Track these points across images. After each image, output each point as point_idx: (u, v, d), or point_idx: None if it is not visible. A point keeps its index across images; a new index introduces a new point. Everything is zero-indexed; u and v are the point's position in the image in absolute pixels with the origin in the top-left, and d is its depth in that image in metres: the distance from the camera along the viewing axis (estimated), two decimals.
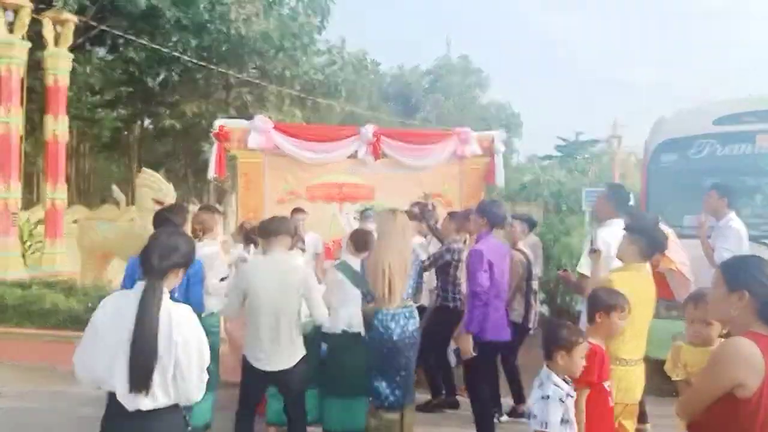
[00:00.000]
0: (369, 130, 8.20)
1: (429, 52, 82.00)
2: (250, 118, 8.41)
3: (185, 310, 2.67)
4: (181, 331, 2.57)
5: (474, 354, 4.75)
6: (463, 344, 4.84)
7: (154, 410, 2.56)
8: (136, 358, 2.49)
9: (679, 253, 5.55)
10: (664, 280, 5.25)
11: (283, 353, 4.06)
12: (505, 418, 5.67)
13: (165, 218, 4.44)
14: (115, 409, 2.58)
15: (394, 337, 4.43)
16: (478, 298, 4.73)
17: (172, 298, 2.69)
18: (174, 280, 2.73)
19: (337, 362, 5.09)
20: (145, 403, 2.54)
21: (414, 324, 4.56)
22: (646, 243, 3.74)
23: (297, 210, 7.16)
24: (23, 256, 11.45)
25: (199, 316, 2.85)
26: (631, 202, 6.70)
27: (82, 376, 2.68)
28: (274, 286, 4.03)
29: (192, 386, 2.61)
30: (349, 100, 26.63)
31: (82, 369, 2.66)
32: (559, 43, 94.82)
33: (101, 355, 2.57)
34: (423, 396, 6.03)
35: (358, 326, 4.88)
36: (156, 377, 2.52)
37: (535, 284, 5.78)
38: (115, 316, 2.59)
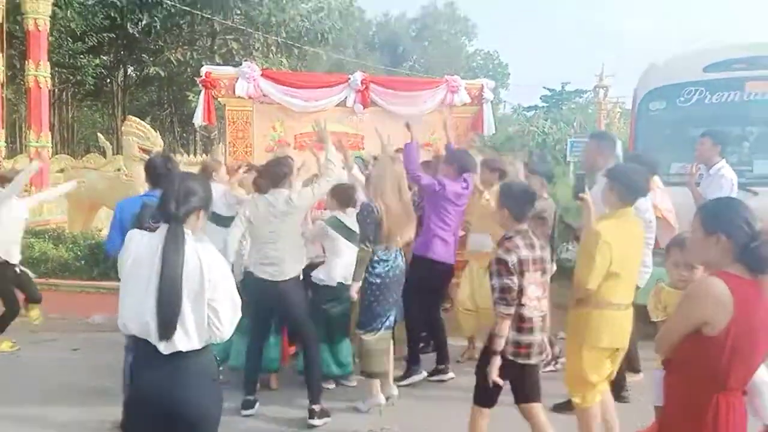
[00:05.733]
0: (358, 77, 8.13)
1: None
2: (237, 66, 8.27)
3: (212, 249, 2.68)
4: (212, 270, 2.59)
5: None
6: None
7: (189, 351, 2.56)
8: (161, 303, 2.49)
9: (665, 201, 5.61)
10: None
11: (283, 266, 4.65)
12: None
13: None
14: (145, 352, 2.56)
15: (393, 274, 4.79)
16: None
17: None
18: (197, 223, 2.70)
19: (330, 312, 5.26)
20: (182, 344, 2.54)
21: (402, 260, 4.92)
22: (625, 187, 3.71)
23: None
24: None
25: None
26: (618, 149, 6.73)
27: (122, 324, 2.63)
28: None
29: (227, 322, 2.63)
30: (335, 49, 26.21)
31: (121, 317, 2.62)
32: None
33: (131, 300, 2.56)
34: None
35: (350, 277, 4.99)
36: (191, 317, 2.54)
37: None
38: (142, 260, 2.56)
